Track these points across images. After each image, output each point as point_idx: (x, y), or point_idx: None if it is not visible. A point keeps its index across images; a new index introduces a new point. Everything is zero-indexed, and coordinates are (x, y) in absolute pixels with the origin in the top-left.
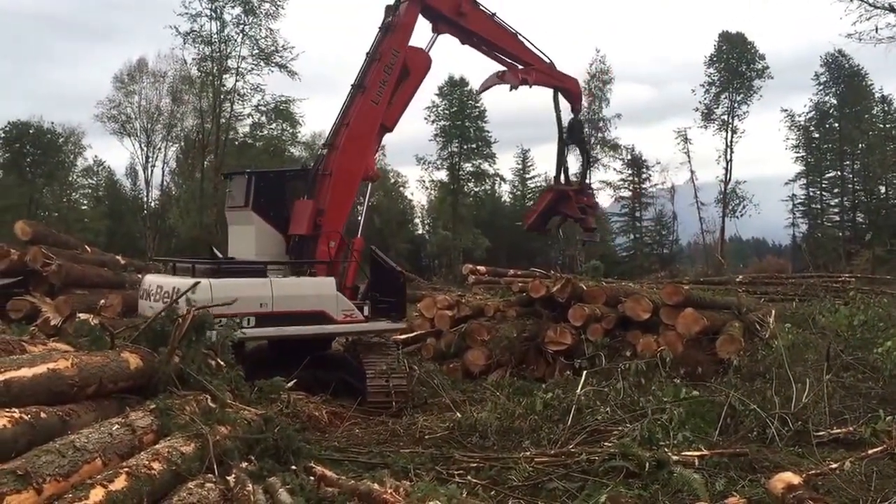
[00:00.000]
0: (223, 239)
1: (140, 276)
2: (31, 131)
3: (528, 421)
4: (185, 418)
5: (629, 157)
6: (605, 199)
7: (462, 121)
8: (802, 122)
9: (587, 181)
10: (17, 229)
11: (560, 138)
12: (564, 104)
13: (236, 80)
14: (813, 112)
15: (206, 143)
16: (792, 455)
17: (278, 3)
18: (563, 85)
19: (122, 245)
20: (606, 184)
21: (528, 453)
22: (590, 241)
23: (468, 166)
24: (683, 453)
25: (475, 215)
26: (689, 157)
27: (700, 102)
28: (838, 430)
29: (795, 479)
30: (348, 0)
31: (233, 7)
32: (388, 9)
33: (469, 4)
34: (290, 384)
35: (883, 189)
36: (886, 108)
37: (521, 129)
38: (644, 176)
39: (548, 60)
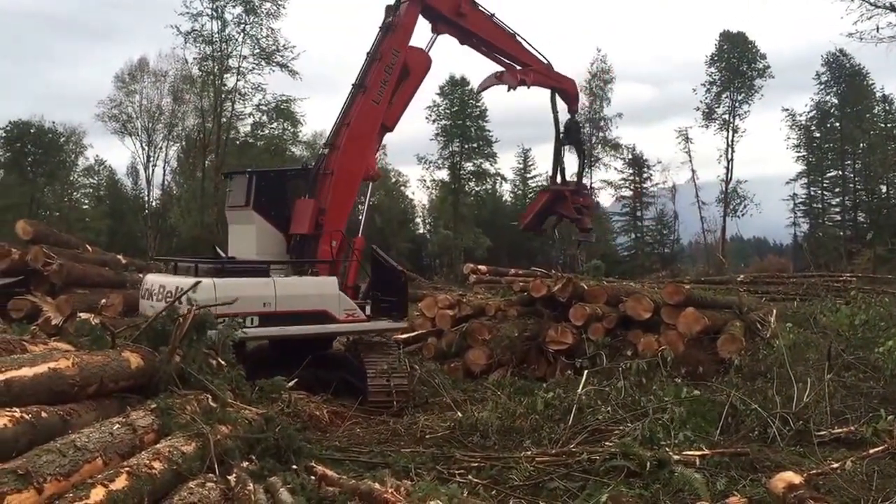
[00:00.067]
0: (224, 238)
1: (141, 275)
2: (32, 131)
3: (529, 420)
4: (185, 418)
5: (630, 156)
6: (606, 198)
7: (463, 120)
8: (803, 122)
9: (584, 181)
10: (18, 229)
11: (557, 138)
12: (562, 105)
13: (237, 80)
14: (814, 111)
15: (207, 142)
16: (793, 455)
17: (279, 2)
18: (560, 85)
19: (123, 244)
20: (607, 183)
21: (529, 453)
22: (585, 241)
23: (469, 166)
24: (684, 453)
25: (476, 215)
26: (690, 156)
27: (701, 102)
28: (839, 430)
29: (796, 479)
30: (348, 0)
31: (234, 6)
32: (389, 9)
33: (468, 5)
34: (291, 384)
35: (884, 188)
36: (887, 108)
37: (523, 128)
38: (645, 175)
39: (546, 61)
